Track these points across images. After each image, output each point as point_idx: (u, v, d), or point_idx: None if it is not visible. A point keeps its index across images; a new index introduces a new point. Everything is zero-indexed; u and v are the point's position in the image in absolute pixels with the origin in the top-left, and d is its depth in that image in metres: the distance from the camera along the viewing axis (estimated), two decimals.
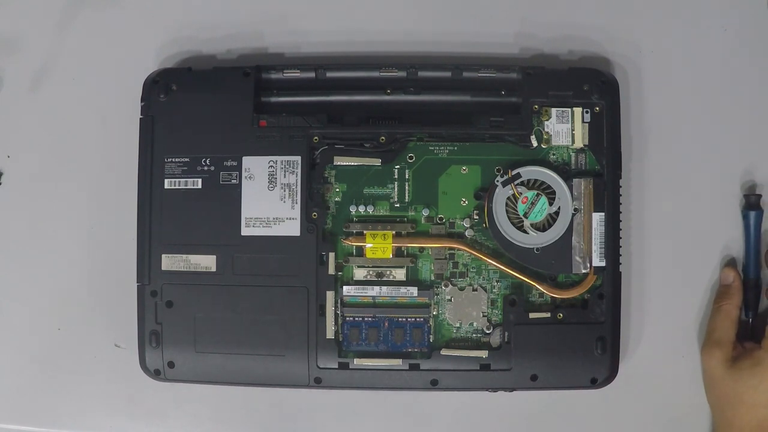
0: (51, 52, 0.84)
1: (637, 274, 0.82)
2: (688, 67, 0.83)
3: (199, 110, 0.79)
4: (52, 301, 0.83)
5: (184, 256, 0.78)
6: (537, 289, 0.78)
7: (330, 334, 0.78)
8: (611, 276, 0.78)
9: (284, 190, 0.78)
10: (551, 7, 0.83)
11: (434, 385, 0.78)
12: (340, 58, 0.83)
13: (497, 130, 0.79)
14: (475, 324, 0.79)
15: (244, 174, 0.79)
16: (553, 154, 0.79)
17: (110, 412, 0.83)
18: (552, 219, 0.78)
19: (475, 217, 0.79)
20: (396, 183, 0.79)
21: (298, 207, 0.78)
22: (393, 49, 0.83)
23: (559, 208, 0.78)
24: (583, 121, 0.79)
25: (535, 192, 0.78)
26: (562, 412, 0.82)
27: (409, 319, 0.78)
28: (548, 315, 0.78)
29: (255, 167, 0.79)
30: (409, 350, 0.78)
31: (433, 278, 0.79)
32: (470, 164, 0.79)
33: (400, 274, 0.79)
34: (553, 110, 0.79)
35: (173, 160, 0.79)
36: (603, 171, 0.78)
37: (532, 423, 0.82)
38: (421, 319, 0.78)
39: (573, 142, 0.79)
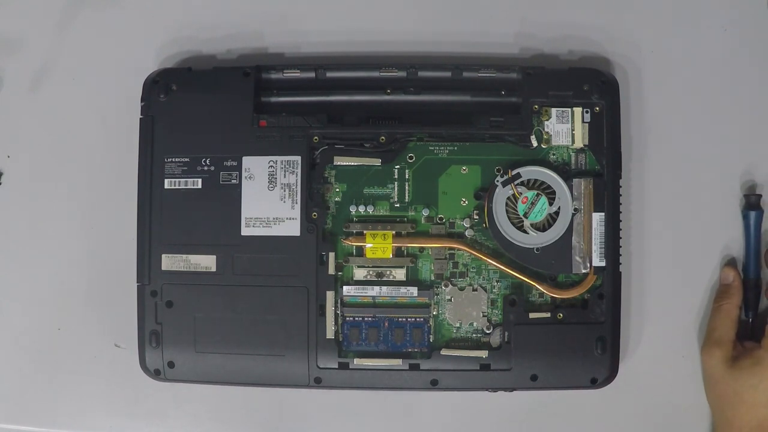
0: (51, 52, 0.84)
1: (637, 274, 0.82)
2: (688, 67, 0.83)
3: (199, 110, 0.79)
4: (52, 301, 0.83)
5: (184, 256, 0.78)
6: (537, 289, 0.78)
7: (330, 334, 0.78)
8: (611, 276, 0.78)
9: (284, 190, 0.78)
10: (551, 7, 0.83)
11: (434, 385, 0.78)
12: (340, 58, 0.83)
13: (497, 130, 0.79)
14: (475, 324, 0.79)
15: (244, 174, 0.79)
16: (553, 154, 0.79)
17: (110, 412, 0.83)
18: (552, 219, 0.78)
19: (475, 217, 0.79)
20: (396, 183, 0.79)
21: (298, 207, 0.78)
22: (393, 49, 0.83)
23: (559, 208, 0.78)
24: (583, 121, 0.79)
25: (535, 192, 0.78)
26: (562, 412, 0.82)
27: (409, 319, 0.78)
28: (548, 315, 0.78)
29: (255, 167, 0.79)
30: (409, 350, 0.78)
31: (433, 278, 0.79)
32: (470, 164, 0.79)
33: (400, 274, 0.79)
34: (553, 110, 0.79)
35: (173, 160, 0.79)
36: (603, 171, 0.78)
37: (532, 423, 0.82)
38: (421, 319, 0.78)
39: (573, 142, 0.79)
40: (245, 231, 0.78)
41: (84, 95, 0.84)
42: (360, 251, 0.79)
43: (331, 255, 0.78)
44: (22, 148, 0.84)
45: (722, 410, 0.78)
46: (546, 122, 0.79)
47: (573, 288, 0.78)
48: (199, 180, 0.79)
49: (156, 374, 0.78)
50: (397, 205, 0.79)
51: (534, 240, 0.78)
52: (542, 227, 0.78)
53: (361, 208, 0.79)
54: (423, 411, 0.82)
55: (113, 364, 0.83)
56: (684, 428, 0.82)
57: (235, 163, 0.79)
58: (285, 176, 0.79)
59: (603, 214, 0.78)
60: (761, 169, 0.82)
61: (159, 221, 0.79)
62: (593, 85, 0.79)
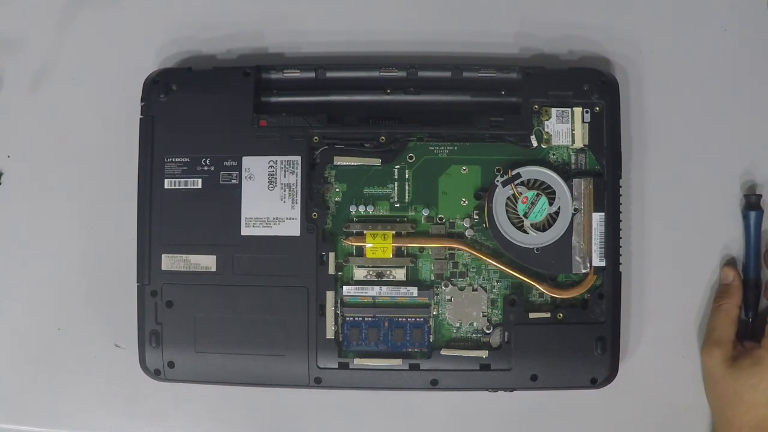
0: (51, 52, 0.84)
1: (637, 274, 0.82)
2: (688, 67, 0.83)
3: (199, 110, 0.79)
4: (52, 301, 0.83)
5: (184, 256, 0.78)
6: (537, 289, 0.78)
7: (330, 334, 0.78)
8: (611, 276, 0.78)
9: (284, 190, 0.78)
10: (551, 7, 0.83)
11: (434, 385, 0.78)
12: (340, 58, 0.83)
13: (497, 130, 0.79)
14: (475, 324, 0.79)
15: (244, 174, 0.79)
16: (553, 154, 0.79)
17: (110, 412, 0.83)
18: (552, 219, 0.78)
19: (475, 217, 0.79)
20: (396, 183, 0.79)
21: (298, 207, 0.78)
22: (393, 49, 0.83)
23: (559, 208, 0.78)
24: (583, 121, 0.79)
25: (535, 192, 0.78)
26: (562, 412, 0.82)
27: (409, 319, 0.78)
28: (548, 315, 0.78)
29: (255, 167, 0.79)
30: (409, 350, 0.78)
31: (433, 278, 0.79)
32: (470, 164, 0.79)
33: (400, 274, 0.79)
34: (553, 110, 0.79)
35: (173, 160, 0.79)
36: (603, 171, 0.78)
37: (532, 423, 0.82)
38: (421, 319, 0.78)
39: (573, 142, 0.79)
40: (245, 231, 0.78)
41: (84, 95, 0.84)
42: (360, 251, 0.79)
43: (331, 255, 0.78)
44: (22, 148, 0.84)
45: (722, 410, 0.78)
46: (546, 122, 0.79)
47: (573, 288, 0.78)
48: (199, 180, 0.79)
49: (156, 374, 0.78)
50: (397, 205, 0.79)
51: (534, 240, 0.78)
52: (542, 227, 0.78)
53: (361, 208, 0.79)
54: (423, 411, 0.82)
55: (113, 364, 0.83)
56: (684, 428, 0.82)
57: (235, 163, 0.79)
58: (285, 176, 0.79)
59: (603, 214, 0.78)
60: (761, 169, 0.82)
61: (159, 221, 0.79)
62: (593, 85, 0.79)
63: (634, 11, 0.83)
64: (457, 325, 0.79)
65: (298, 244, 0.78)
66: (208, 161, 0.79)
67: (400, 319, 0.78)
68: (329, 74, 0.81)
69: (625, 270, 0.79)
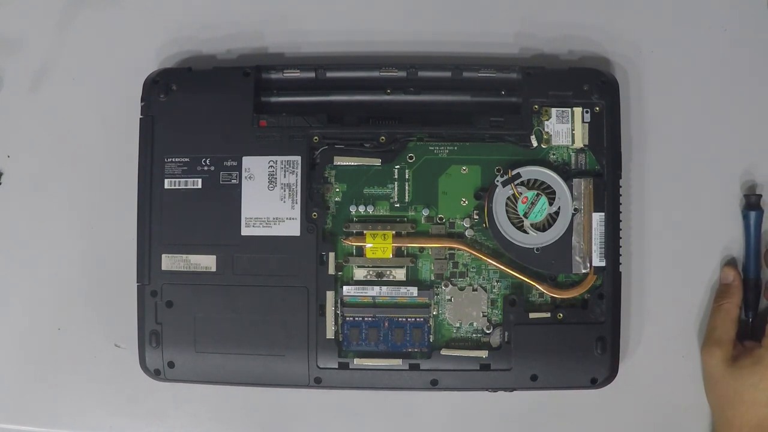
0: (51, 52, 0.84)
1: (637, 274, 0.82)
2: (688, 67, 0.83)
3: (199, 110, 0.79)
4: (52, 301, 0.83)
5: (184, 256, 0.78)
6: (537, 289, 0.78)
7: (330, 334, 0.78)
8: (611, 276, 0.78)
9: (284, 190, 0.78)
10: (551, 7, 0.83)
11: (434, 385, 0.78)
12: (340, 58, 0.83)
13: (497, 130, 0.79)
14: (475, 324, 0.79)
15: (244, 174, 0.79)
16: (553, 154, 0.79)
17: (110, 412, 0.83)
18: (552, 219, 0.78)
19: (475, 217, 0.79)
20: (396, 183, 0.79)
21: (298, 207, 0.78)
22: (393, 49, 0.83)
23: (559, 208, 0.78)
24: (583, 121, 0.79)
25: (535, 192, 0.78)
26: (562, 412, 0.82)
27: (409, 319, 0.78)
28: (548, 315, 0.78)
29: (255, 167, 0.79)
30: (409, 350, 0.78)
31: (433, 278, 0.79)
32: (470, 164, 0.79)
33: (400, 274, 0.79)
34: (553, 110, 0.79)
35: (173, 160, 0.79)
36: (603, 171, 0.78)
37: (532, 423, 0.82)
38: (421, 319, 0.78)
39: (573, 142, 0.79)
40: (245, 231, 0.78)
41: (84, 95, 0.84)
42: (360, 251, 0.79)
43: (331, 255, 0.78)
44: (22, 148, 0.84)
45: (722, 409, 0.78)
46: (546, 122, 0.79)
47: (573, 288, 0.78)
48: (199, 180, 0.79)
49: (156, 374, 0.78)
50: (397, 205, 0.79)
51: (534, 240, 0.78)
52: (542, 227, 0.78)
53: (361, 208, 0.79)
54: (423, 411, 0.82)
55: (113, 364, 0.83)
56: (684, 428, 0.82)
57: (235, 163, 0.79)
58: (285, 176, 0.79)
59: (603, 214, 0.78)
60: (761, 169, 0.82)
61: (159, 221, 0.79)
62: (593, 85, 0.79)
63: (634, 11, 0.83)
64: (457, 325, 0.79)
65: (298, 244, 0.78)
66: (208, 161, 0.79)
67: (400, 319, 0.78)
68: (329, 74, 0.81)
69: (625, 270, 0.79)
